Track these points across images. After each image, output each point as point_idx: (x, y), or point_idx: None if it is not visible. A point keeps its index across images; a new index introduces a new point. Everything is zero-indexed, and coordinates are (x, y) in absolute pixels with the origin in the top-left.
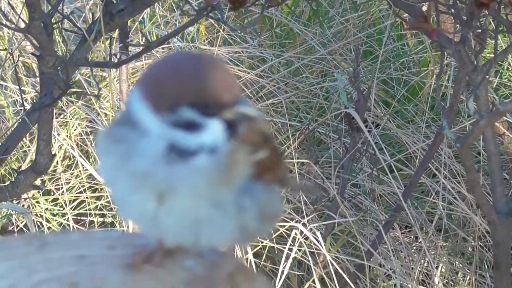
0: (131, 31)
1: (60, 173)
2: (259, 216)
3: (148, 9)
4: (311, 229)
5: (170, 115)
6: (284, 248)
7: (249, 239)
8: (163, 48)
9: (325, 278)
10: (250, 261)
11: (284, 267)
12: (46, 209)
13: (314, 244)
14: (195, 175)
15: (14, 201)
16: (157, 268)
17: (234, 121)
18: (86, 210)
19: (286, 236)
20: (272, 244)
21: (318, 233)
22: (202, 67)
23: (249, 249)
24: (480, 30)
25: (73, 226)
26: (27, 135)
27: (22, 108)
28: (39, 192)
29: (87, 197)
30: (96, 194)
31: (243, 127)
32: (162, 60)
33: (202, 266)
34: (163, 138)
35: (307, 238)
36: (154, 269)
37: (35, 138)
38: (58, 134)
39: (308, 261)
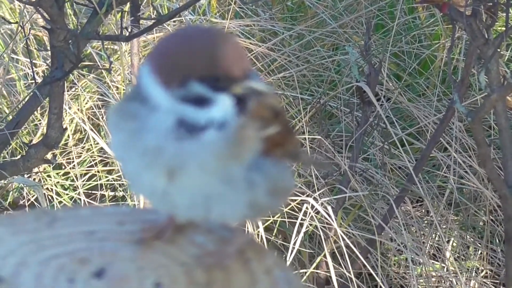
0: (142, 4)
1: (71, 147)
2: (270, 191)
3: None
4: (322, 203)
5: (179, 90)
6: (295, 222)
7: (260, 214)
8: (174, 22)
9: (336, 252)
10: (261, 236)
11: (295, 242)
12: (57, 183)
13: (325, 218)
14: (205, 150)
15: (25, 175)
16: (167, 244)
17: (244, 96)
18: (97, 184)
19: (297, 210)
20: (283, 219)
21: (329, 208)
22: (212, 41)
23: (260, 223)
24: (491, 3)
25: (84, 200)
26: (38, 108)
27: (33, 81)
28: (50, 166)
29: (98, 171)
30: (107, 168)
31: (253, 102)
32: (172, 34)
33: (213, 241)
34: (172, 113)
35: (318, 213)
36: (164, 244)
37: (46, 112)
38: (69, 108)
39: (319, 235)
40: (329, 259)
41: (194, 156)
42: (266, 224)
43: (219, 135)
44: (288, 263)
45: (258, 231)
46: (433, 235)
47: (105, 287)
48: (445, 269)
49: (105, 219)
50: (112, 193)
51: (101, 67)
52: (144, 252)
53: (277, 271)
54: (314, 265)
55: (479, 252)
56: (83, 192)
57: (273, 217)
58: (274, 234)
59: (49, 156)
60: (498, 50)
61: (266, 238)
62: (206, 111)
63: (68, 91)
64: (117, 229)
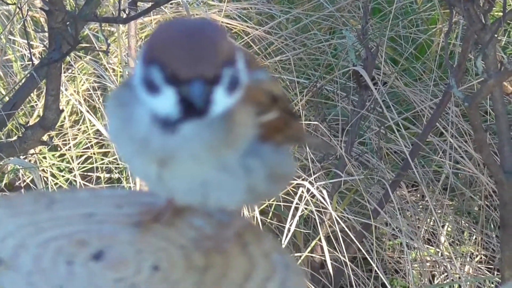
0: None
1: (67, 129)
2: (268, 177)
3: None
4: (317, 187)
5: (146, 67)
6: (291, 206)
7: (259, 199)
8: (171, 4)
9: (331, 236)
10: (257, 219)
11: (290, 225)
12: (53, 164)
13: (321, 202)
14: (188, 144)
15: (21, 157)
16: (165, 227)
17: (187, 98)
18: (93, 166)
19: (292, 194)
20: (278, 202)
21: (324, 191)
22: (185, 37)
23: (255, 206)
24: None
25: (79, 182)
26: (35, 90)
27: (30, 63)
28: (46, 147)
29: (94, 153)
30: (103, 150)
31: (247, 89)
32: (168, 23)
33: (211, 225)
34: (145, 103)
35: (313, 196)
36: (162, 228)
37: (43, 93)
38: (66, 89)
39: (314, 219)
40: (324, 243)
41: (179, 148)
42: (261, 207)
43: (198, 127)
44: (283, 246)
45: (254, 214)
46: (428, 220)
47: (104, 270)
48: (439, 254)
49: (103, 201)
50: (107, 175)
51: (98, 49)
52: (143, 235)
53: (275, 254)
54: (309, 249)
55: (474, 237)
56: (79, 174)
57: (268, 200)
58: (269, 217)
59: (45, 137)
60: (495, 35)
61: (261, 221)
62: (154, 99)
63: (64, 72)
64: (116, 211)
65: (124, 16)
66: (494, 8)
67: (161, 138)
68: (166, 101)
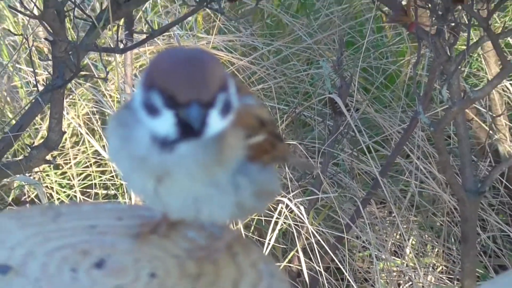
0: (136, 20)
1: (68, 149)
2: (255, 193)
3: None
4: (295, 204)
5: (146, 91)
6: (271, 220)
7: (247, 214)
8: (164, 36)
9: (307, 248)
10: (240, 232)
11: (270, 238)
12: (55, 181)
13: (298, 217)
14: (183, 162)
15: (27, 174)
16: (162, 238)
17: (185, 120)
18: (92, 183)
19: (272, 210)
20: (260, 217)
21: (302, 207)
22: (182, 65)
23: (240, 221)
24: (454, 24)
25: (79, 197)
26: (39, 113)
27: (36, 88)
28: (49, 166)
29: (92, 171)
30: (101, 169)
31: (237, 113)
32: (165, 52)
33: (204, 237)
34: (145, 124)
35: (292, 212)
36: (159, 239)
37: (46, 116)
38: (67, 113)
39: (292, 232)
40: (301, 254)
41: (175, 166)
42: (244, 222)
43: (192, 147)
44: None
45: (238, 228)
46: (395, 234)
47: (105, 277)
48: (405, 265)
49: (105, 214)
50: (105, 192)
51: (97, 76)
52: (141, 245)
53: (262, 264)
54: (287, 259)
55: (436, 250)
56: (79, 190)
57: (255, 215)
58: (251, 231)
59: (48, 157)
60: (459, 66)
61: (244, 234)
62: (154, 121)
63: (66, 98)
64: (116, 224)
65: (121, 46)
66: (458, 42)
67: (159, 156)
68: (165, 123)
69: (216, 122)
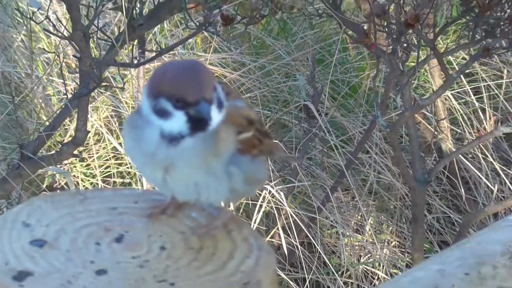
0: (147, 41)
1: (91, 145)
2: (245, 180)
3: (159, 24)
4: (276, 190)
5: (153, 100)
6: (256, 203)
7: (239, 197)
8: (169, 54)
9: (286, 226)
10: (233, 212)
11: (255, 219)
12: (81, 172)
13: (279, 201)
14: (186, 154)
15: (58, 166)
16: (170, 217)
17: (195, 116)
18: (111, 173)
19: (258, 195)
20: (247, 201)
21: (281, 193)
22: (182, 73)
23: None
24: (406, 44)
25: (101, 185)
26: (68, 116)
27: (65, 96)
28: (76, 159)
29: (111, 164)
30: (118, 161)
31: (229, 113)
32: (163, 65)
33: (204, 216)
34: (156, 126)
35: (273, 197)
36: (168, 218)
37: (74, 119)
38: (91, 116)
39: (274, 214)
40: (280, 231)
41: (179, 158)
42: (236, 204)
43: (192, 141)
44: None
45: (230, 209)
46: (357, 215)
47: (123, 250)
48: (365, 240)
49: (123, 198)
50: (121, 180)
51: (115, 86)
52: (153, 223)
53: (252, 239)
54: (270, 236)
55: (390, 228)
56: (100, 179)
57: (246, 198)
58: (240, 213)
59: (76, 152)
60: (410, 79)
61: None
62: (166, 122)
63: (90, 104)
64: (133, 206)
65: (135, 62)
66: (409, 59)
67: (166, 150)
68: (178, 122)
69: (215, 116)
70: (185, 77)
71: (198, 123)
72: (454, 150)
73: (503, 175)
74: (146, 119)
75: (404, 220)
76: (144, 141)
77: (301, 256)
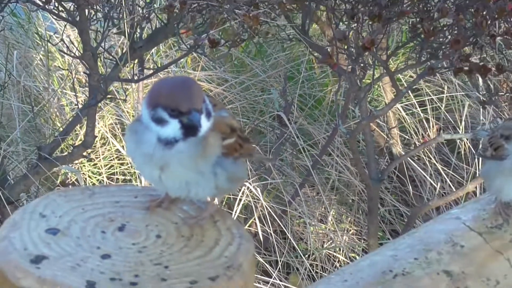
0: (145, 60)
1: (98, 148)
2: (228, 179)
3: (156, 46)
4: (254, 186)
5: (152, 110)
6: (237, 197)
7: (223, 193)
8: (164, 72)
9: (262, 217)
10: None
11: (236, 210)
12: (90, 170)
13: (256, 195)
14: (178, 155)
15: (70, 165)
16: (165, 210)
17: (188, 123)
18: (115, 171)
19: (238, 190)
20: (229, 196)
21: (258, 189)
22: (176, 88)
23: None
24: (363, 64)
25: (106, 181)
26: (79, 123)
27: (77, 106)
28: (85, 159)
29: (115, 163)
30: (120, 162)
31: (214, 122)
32: (160, 81)
33: (194, 209)
34: (154, 132)
35: (251, 192)
36: (163, 210)
37: (84, 125)
38: (98, 123)
39: (251, 206)
40: (257, 221)
41: (173, 159)
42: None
43: (184, 145)
44: None
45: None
46: (321, 207)
47: (125, 237)
48: (327, 229)
49: (126, 193)
50: (123, 177)
51: (118, 98)
52: (150, 215)
53: (234, 228)
54: (248, 225)
55: (349, 218)
56: (106, 177)
57: (229, 194)
58: (223, 205)
59: (85, 153)
60: (366, 94)
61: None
62: (162, 128)
63: (97, 113)
64: (133, 200)
65: (136, 78)
66: (366, 77)
67: (162, 152)
68: (172, 129)
69: (205, 123)
70: (179, 90)
71: (190, 130)
72: (403, 153)
73: (444, 175)
74: (145, 126)
75: (360, 212)
76: (143, 144)
77: (274, 242)
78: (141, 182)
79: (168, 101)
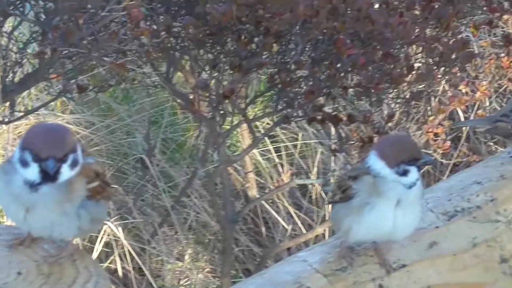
0: (17, 102)
1: None
2: (91, 220)
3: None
4: (115, 225)
5: (20, 152)
6: (98, 235)
7: (85, 234)
8: (34, 114)
9: (121, 254)
10: (78, 245)
11: (98, 248)
12: None
13: (116, 234)
14: (43, 198)
15: None
16: (26, 248)
17: (45, 169)
18: None
19: (99, 229)
20: (92, 234)
21: (120, 228)
22: (45, 134)
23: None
24: (223, 112)
25: None
26: None
27: None
28: None
29: None
30: None
31: (81, 167)
32: (36, 125)
33: (54, 248)
34: (20, 173)
35: (112, 230)
36: (24, 248)
37: None
38: None
39: (112, 244)
40: (117, 258)
41: (38, 201)
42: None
43: (50, 189)
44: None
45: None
46: (179, 246)
47: None
48: (184, 267)
49: None
50: None
51: None
52: (13, 252)
53: (92, 267)
54: (108, 261)
55: (205, 257)
56: None
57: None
58: (87, 241)
59: None
60: (225, 139)
61: (81, 243)
62: (26, 171)
63: None
64: None
65: (6, 120)
66: (225, 123)
67: (28, 194)
68: (33, 172)
69: (66, 172)
70: (46, 137)
71: (47, 175)
72: (258, 196)
73: (296, 218)
74: (14, 167)
75: (216, 251)
76: (11, 185)
77: (133, 278)
78: (6, 222)
79: (33, 146)
